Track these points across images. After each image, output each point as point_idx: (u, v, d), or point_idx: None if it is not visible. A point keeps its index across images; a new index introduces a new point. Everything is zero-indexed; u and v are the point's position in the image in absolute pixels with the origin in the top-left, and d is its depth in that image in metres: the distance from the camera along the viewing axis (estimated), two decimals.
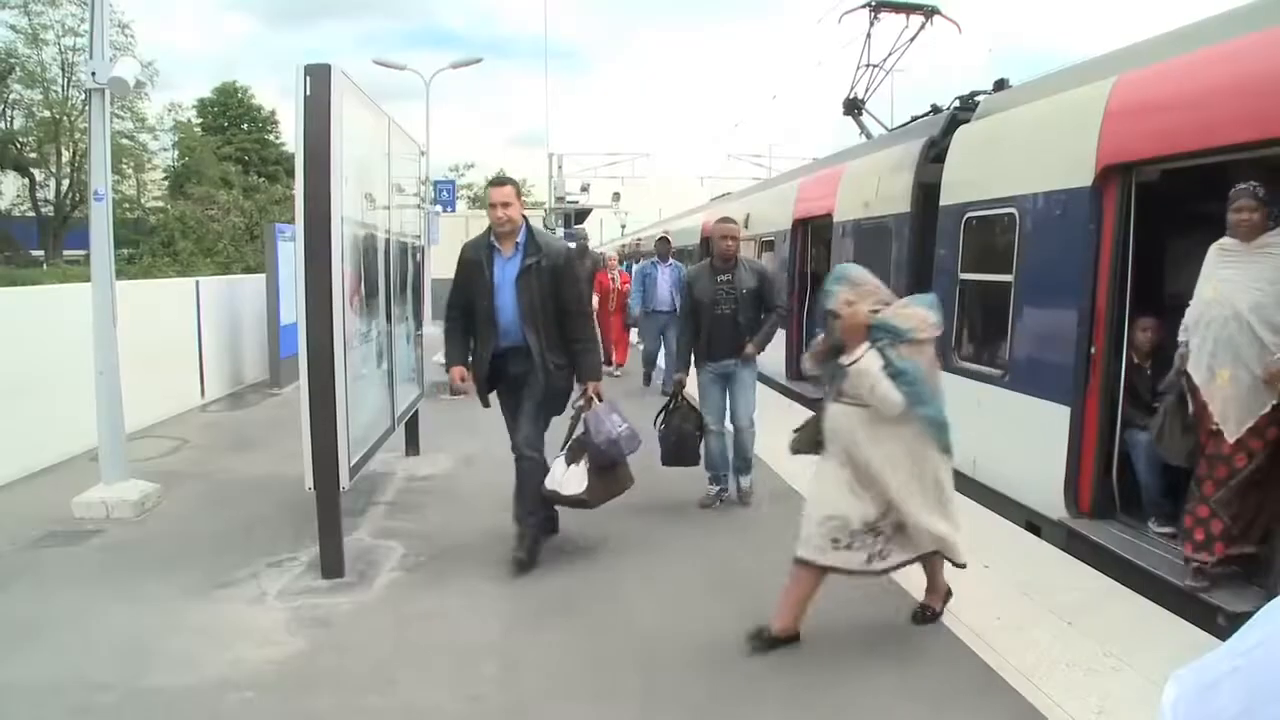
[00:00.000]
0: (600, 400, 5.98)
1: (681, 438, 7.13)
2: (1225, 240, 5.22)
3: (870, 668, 4.43)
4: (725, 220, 7.34)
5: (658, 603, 5.24)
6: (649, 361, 13.94)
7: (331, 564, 5.53)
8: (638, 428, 6.16)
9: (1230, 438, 5.02)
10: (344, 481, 5.45)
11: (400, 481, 7.95)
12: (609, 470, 5.94)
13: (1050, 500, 6.51)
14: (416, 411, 8.77)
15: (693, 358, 7.28)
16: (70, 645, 4.61)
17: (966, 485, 7.61)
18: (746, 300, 6.97)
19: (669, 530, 6.65)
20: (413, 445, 8.87)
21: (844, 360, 4.45)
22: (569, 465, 5.85)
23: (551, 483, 5.80)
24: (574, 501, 5.86)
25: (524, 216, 5.97)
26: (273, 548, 6.05)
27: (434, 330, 17.02)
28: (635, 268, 15.09)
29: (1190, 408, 5.30)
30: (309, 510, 5.58)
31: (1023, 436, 7.04)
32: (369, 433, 6.33)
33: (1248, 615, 1.10)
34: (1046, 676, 4.25)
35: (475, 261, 5.87)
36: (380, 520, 6.81)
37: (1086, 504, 6.31)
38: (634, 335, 15.70)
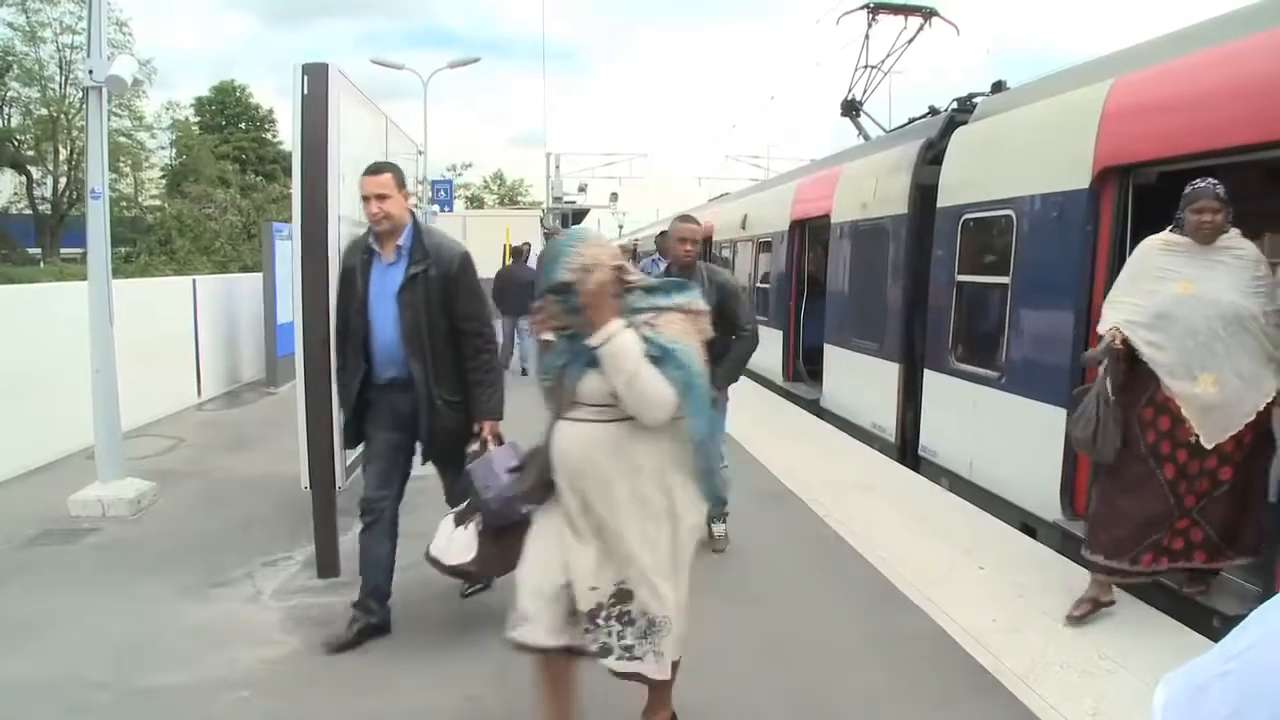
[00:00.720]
0: (499, 444, 4.68)
1: None
2: (1170, 237, 4.94)
3: (865, 669, 4.44)
4: (684, 219, 6.24)
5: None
6: None
7: (327, 563, 5.52)
8: None
9: (1208, 444, 4.69)
10: (340, 480, 5.45)
11: None
12: (509, 534, 4.17)
13: (1046, 502, 6.51)
14: None
15: None
16: (66, 644, 4.61)
17: (963, 487, 7.65)
18: None
19: None
20: None
21: (594, 339, 3.26)
22: (457, 527, 4.63)
23: (435, 548, 4.65)
24: (458, 573, 4.73)
25: (411, 212, 4.81)
26: (269, 546, 6.05)
27: None
28: (639, 268, 13.48)
29: (1147, 413, 4.85)
30: (305, 509, 5.57)
31: (1019, 438, 7.05)
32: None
33: (1243, 619, 1.10)
34: (1041, 678, 4.26)
35: (348, 269, 4.81)
36: None
37: (1082, 506, 6.31)
38: None
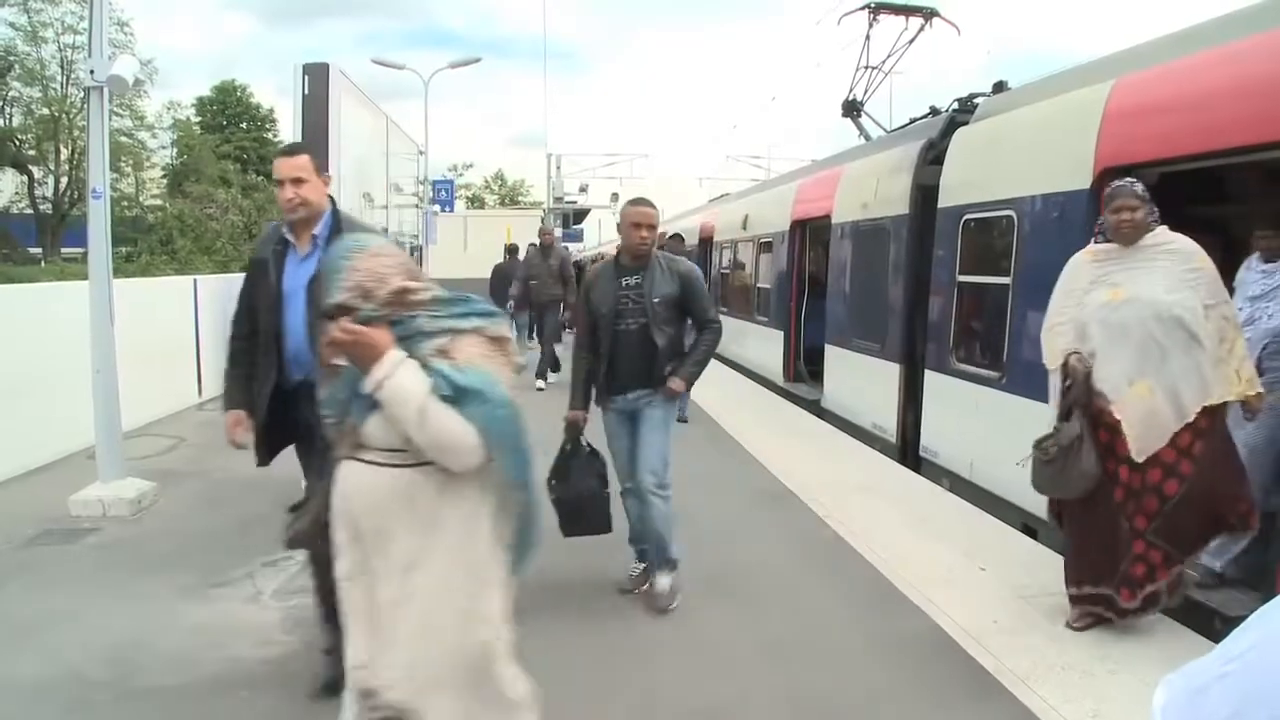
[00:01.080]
0: None
1: (581, 497, 5.26)
2: (1097, 246, 4.80)
3: (865, 670, 4.43)
4: (639, 203, 5.41)
5: (650, 601, 5.24)
6: None
7: None
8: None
9: (1138, 456, 4.50)
10: None
11: None
12: None
13: (1047, 503, 6.50)
14: None
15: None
16: (66, 643, 4.60)
17: (964, 487, 7.64)
18: (660, 312, 5.19)
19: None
20: None
21: (366, 384, 2.68)
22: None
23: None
24: None
25: (331, 199, 4.31)
26: (269, 547, 6.02)
27: None
28: None
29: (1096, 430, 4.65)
30: None
31: (1020, 439, 7.03)
32: None
33: (1244, 620, 1.10)
34: (1042, 680, 4.25)
35: (260, 261, 4.32)
36: None
37: None
38: None
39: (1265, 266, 5.49)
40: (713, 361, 5.90)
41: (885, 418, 9.86)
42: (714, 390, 12.61)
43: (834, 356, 11.86)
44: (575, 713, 4.03)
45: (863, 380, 10.71)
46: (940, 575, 5.65)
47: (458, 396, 2.67)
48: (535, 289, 13.71)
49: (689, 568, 5.76)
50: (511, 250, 16.73)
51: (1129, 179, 4.72)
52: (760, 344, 15.28)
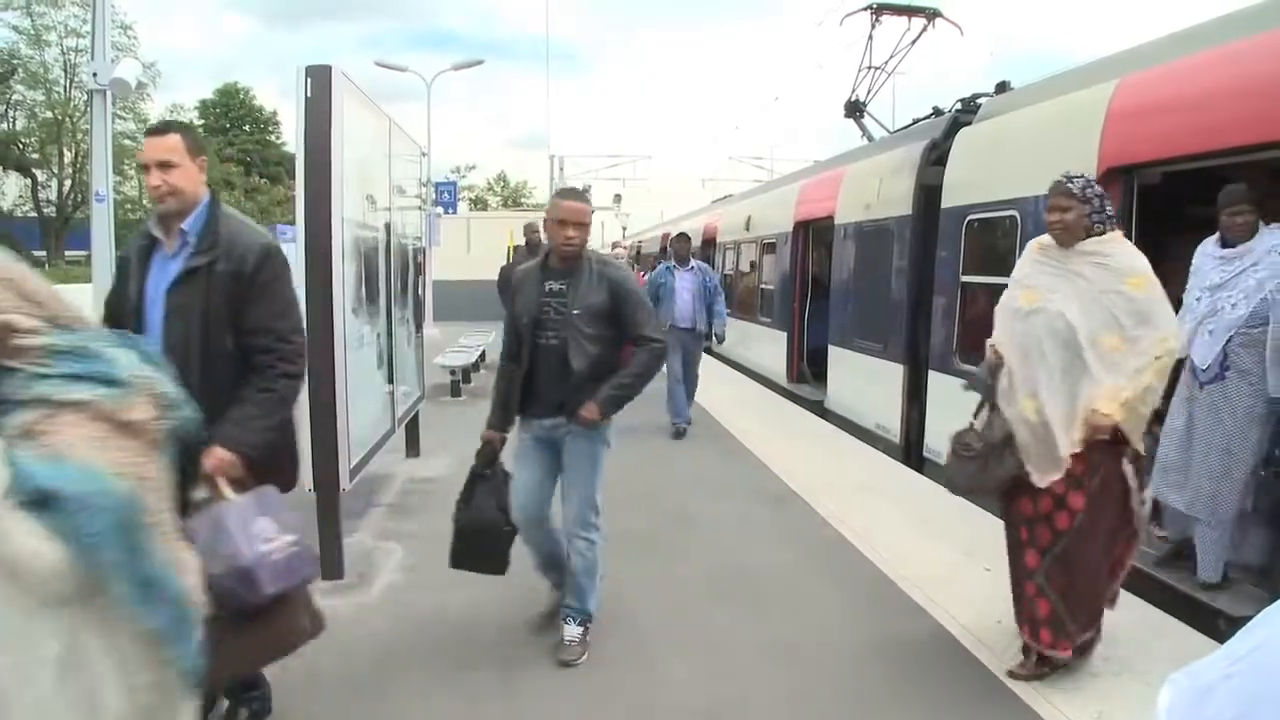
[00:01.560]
0: (234, 492, 3.12)
1: (480, 529, 4.60)
2: (1046, 239, 4.35)
3: (868, 671, 4.43)
4: (567, 195, 4.73)
5: (656, 602, 5.23)
6: (673, 384, 10.26)
7: (331, 565, 5.51)
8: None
9: (1039, 482, 4.11)
10: (344, 483, 5.45)
11: (400, 483, 7.94)
12: (250, 620, 2.98)
13: None
14: (417, 413, 8.75)
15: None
16: None
17: None
18: (582, 327, 4.42)
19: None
20: (413, 447, 8.85)
21: None
22: None
23: None
24: None
25: (210, 190, 3.61)
26: None
27: (433, 332, 17.07)
28: (649, 276, 11.40)
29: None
30: (309, 511, 5.56)
31: None
32: (370, 434, 6.32)
33: (1250, 620, 1.10)
34: (1047, 681, 4.24)
35: (123, 260, 3.64)
36: (380, 522, 6.80)
37: None
38: None
39: (1223, 252, 5.15)
40: (716, 362, 5.82)
41: (889, 418, 9.85)
42: (717, 391, 12.61)
43: (837, 357, 11.85)
44: (577, 713, 4.04)
45: (866, 381, 10.70)
46: (943, 575, 5.64)
47: (45, 501, 1.91)
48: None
49: (692, 567, 5.78)
50: (517, 250, 15.68)
51: (1073, 175, 4.26)
52: (763, 345, 15.27)
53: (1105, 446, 4.03)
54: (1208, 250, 5.28)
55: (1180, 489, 5.27)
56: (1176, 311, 4.56)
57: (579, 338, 4.41)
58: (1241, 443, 5.05)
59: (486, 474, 4.66)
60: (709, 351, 12.54)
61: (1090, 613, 4.22)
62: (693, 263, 10.64)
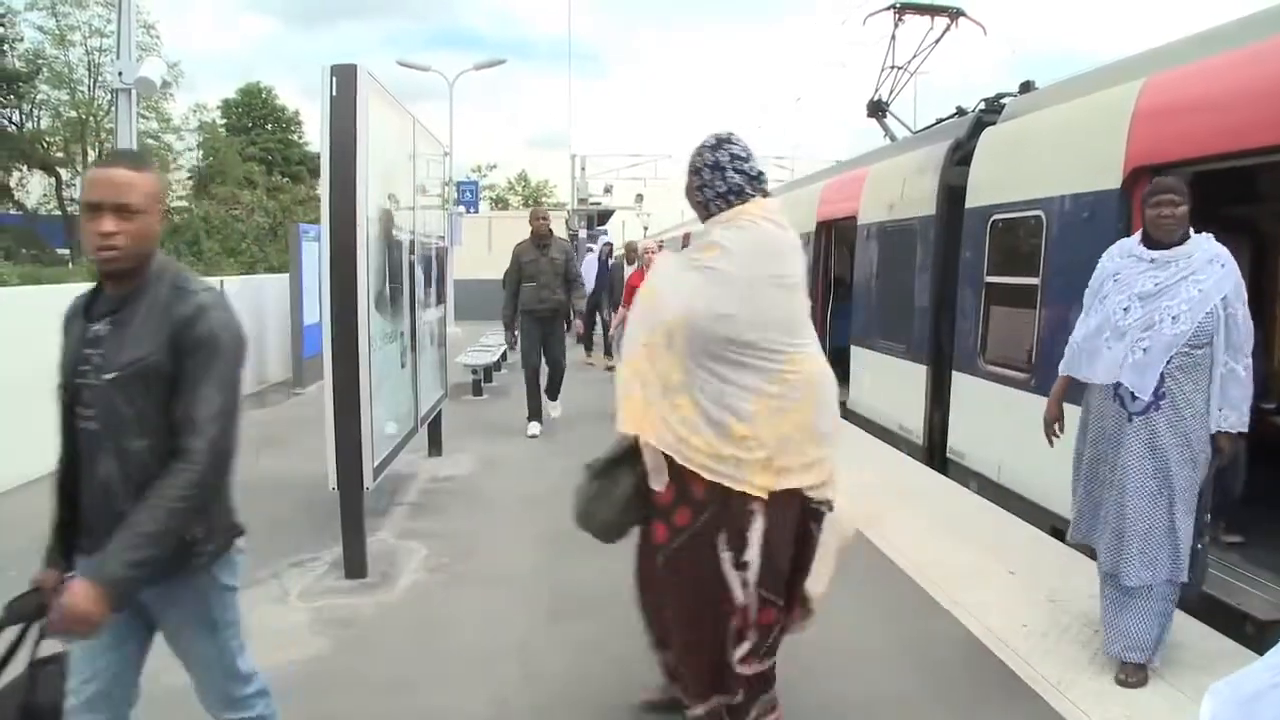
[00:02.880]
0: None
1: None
2: None
3: (895, 674, 4.41)
4: (113, 160, 2.72)
5: None
6: None
7: (354, 564, 5.54)
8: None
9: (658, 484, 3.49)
10: (368, 481, 5.46)
11: (423, 482, 7.96)
12: None
13: None
14: (440, 412, 8.78)
15: None
16: None
17: (991, 490, 7.59)
18: (123, 400, 2.70)
19: None
20: (435, 446, 8.88)
21: None
22: None
23: None
24: None
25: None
26: (295, 548, 6.06)
27: (455, 331, 17.10)
28: None
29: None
30: (332, 510, 5.58)
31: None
32: (393, 433, 6.34)
33: (1276, 623, 1.09)
34: (1072, 684, 4.21)
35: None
36: (403, 521, 6.82)
37: None
38: None
39: (1154, 254, 4.27)
40: None
41: (912, 419, 9.81)
42: None
43: (860, 358, 11.82)
44: (598, 709, 4.03)
45: (889, 382, 10.66)
46: (968, 578, 5.61)
47: None
48: (528, 294, 10.14)
49: None
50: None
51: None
52: None
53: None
54: (1131, 251, 4.41)
55: (1111, 551, 4.34)
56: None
57: (114, 423, 2.68)
58: (1185, 489, 4.18)
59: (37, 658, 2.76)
60: None
61: (697, 675, 3.59)
62: None
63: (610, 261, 18.17)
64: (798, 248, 3.76)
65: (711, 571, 3.41)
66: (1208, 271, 4.16)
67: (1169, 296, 4.16)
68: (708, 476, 3.36)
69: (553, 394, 10.78)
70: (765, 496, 3.39)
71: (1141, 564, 4.18)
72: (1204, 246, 4.24)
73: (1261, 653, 1.27)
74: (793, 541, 3.59)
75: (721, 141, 3.67)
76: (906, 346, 10.09)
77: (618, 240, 31.09)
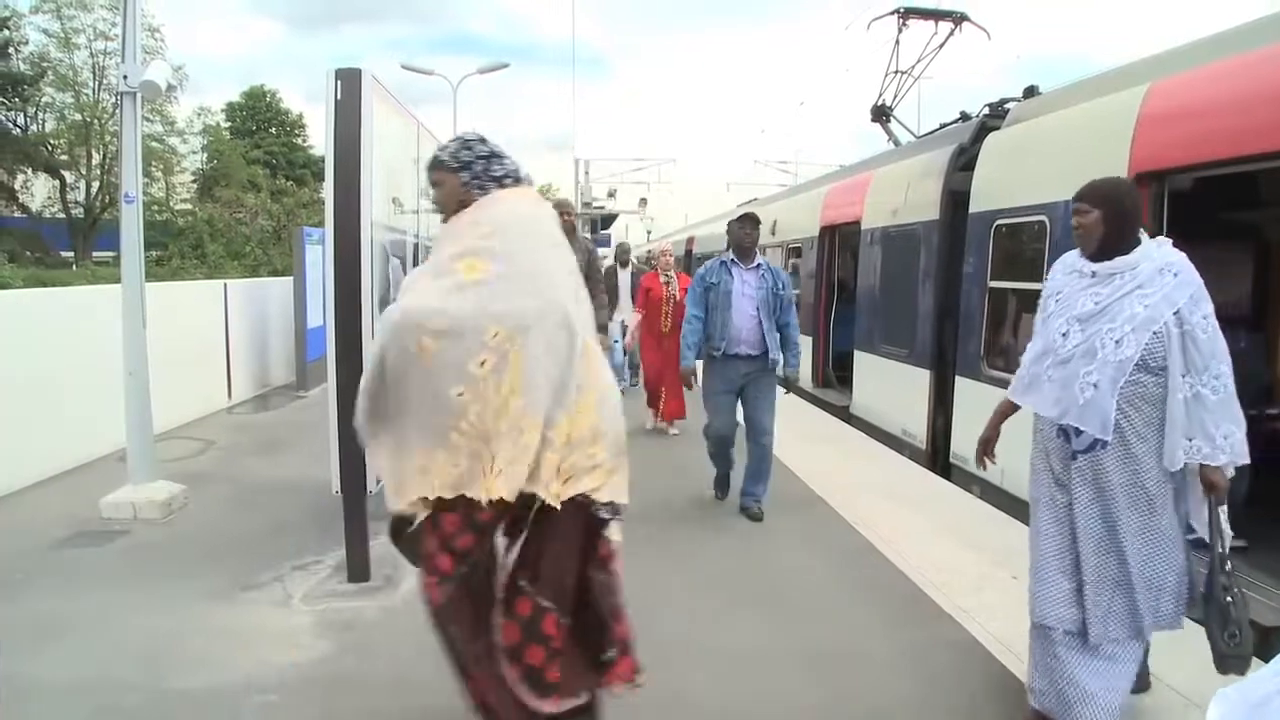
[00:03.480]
0: None
1: None
2: None
3: (896, 678, 4.40)
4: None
5: (678, 609, 5.21)
6: (717, 451, 7.48)
7: (358, 567, 5.53)
8: None
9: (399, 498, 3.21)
10: (371, 485, 5.46)
11: None
12: None
13: None
14: None
15: None
16: (96, 645, 4.63)
17: (994, 494, 7.58)
18: None
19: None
20: None
21: None
22: None
23: None
24: None
25: None
26: (299, 550, 6.06)
27: None
28: (697, 272, 7.53)
29: None
30: (335, 513, 5.58)
31: None
32: None
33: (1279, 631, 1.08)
34: None
35: None
36: None
37: None
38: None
39: (1095, 267, 3.76)
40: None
41: (915, 424, 9.81)
42: None
43: (863, 362, 11.82)
44: (604, 714, 4.03)
45: (892, 386, 10.66)
46: (971, 583, 5.60)
47: None
48: None
49: (715, 573, 5.75)
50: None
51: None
52: None
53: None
54: (1073, 266, 3.92)
55: (1071, 605, 3.81)
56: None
57: None
58: (1138, 534, 3.69)
59: None
60: None
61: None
62: (759, 259, 7.27)
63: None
64: None
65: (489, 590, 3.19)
66: (1156, 284, 3.60)
67: (1109, 317, 3.63)
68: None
69: None
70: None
71: (1094, 618, 3.75)
72: (1153, 255, 3.68)
73: (1266, 659, 1.26)
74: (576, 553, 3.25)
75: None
76: (910, 351, 10.09)
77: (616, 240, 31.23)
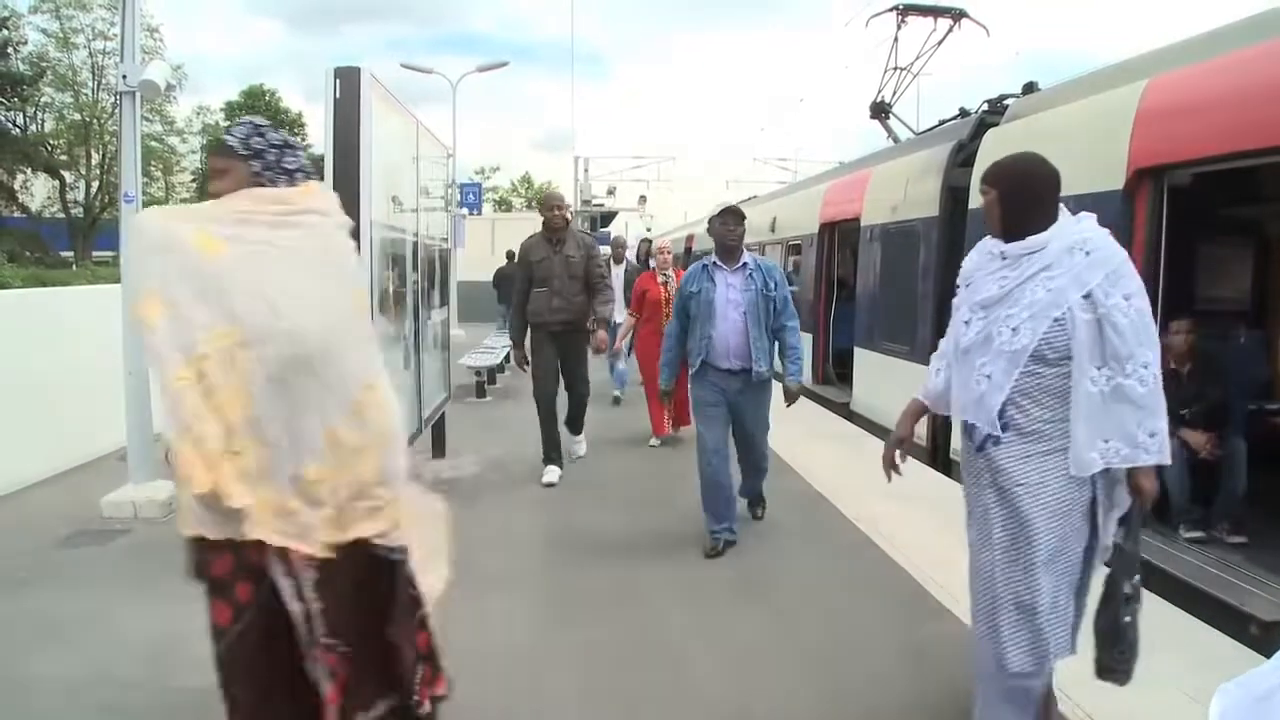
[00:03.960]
0: None
1: None
2: None
3: (898, 675, 4.40)
4: None
5: (681, 606, 5.22)
6: (710, 472, 6.23)
7: None
8: None
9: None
10: None
11: (426, 483, 7.94)
12: None
13: None
14: (443, 414, 8.77)
15: None
16: (98, 644, 4.63)
17: None
18: None
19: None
20: (439, 447, 8.88)
21: None
22: None
23: None
24: None
25: None
26: None
27: (458, 333, 17.09)
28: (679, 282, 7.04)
29: None
30: None
31: None
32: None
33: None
34: (1076, 685, 4.19)
35: None
36: None
37: None
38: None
39: (1006, 248, 3.41)
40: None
41: None
42: None
43: (863, 359, 11.82)
44: (605, 711, 4.03)
45: (892, 383, 10.65)
46: None
47: None
48: (538, 302, 7.92)
49: (718, 571, 5.75)
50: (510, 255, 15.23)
51: None
52: None
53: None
54: (987, 247, 3.59)
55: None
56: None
57: None
58: (1050, 541, 3.28)
59: None
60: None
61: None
62: (746, 257, 6.26)
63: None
64: None
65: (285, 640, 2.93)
66: (1064, 264, 3.23)
67: (1010, 303, 3.29)
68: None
69: (574, 427, 8.75)
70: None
71: (994, 643, 3.46)
72: (1067, 231, 3.36)
73: (1266, 654, 1.27)
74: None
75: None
76: (910, 348, 10.08)
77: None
